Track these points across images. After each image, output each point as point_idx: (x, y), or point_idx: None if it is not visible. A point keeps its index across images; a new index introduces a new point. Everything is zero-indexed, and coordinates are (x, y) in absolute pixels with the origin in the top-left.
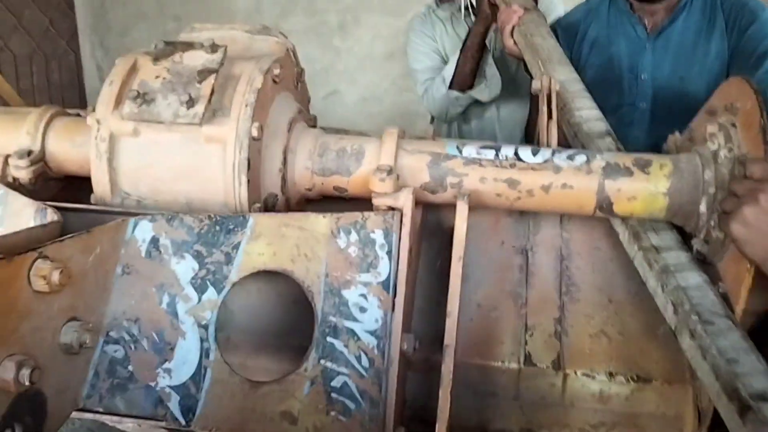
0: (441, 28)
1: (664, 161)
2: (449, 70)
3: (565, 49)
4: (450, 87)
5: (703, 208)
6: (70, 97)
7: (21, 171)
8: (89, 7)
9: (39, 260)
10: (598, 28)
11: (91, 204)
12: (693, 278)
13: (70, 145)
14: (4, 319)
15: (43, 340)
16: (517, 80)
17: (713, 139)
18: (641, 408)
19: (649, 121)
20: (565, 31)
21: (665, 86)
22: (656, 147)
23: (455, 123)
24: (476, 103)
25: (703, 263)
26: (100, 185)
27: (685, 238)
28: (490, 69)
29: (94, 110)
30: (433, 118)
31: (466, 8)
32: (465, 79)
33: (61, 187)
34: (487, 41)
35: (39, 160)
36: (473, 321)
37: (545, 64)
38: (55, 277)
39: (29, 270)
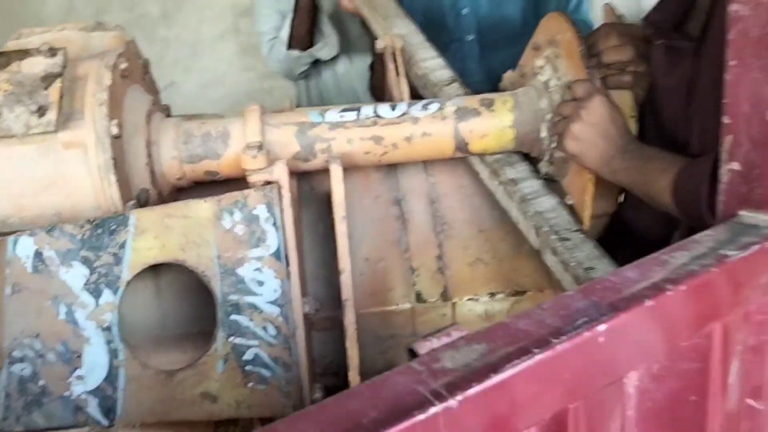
0: None
1: (506, 97)
2: (285, 32)
3: None
4: (290, 47)
5: (543, 133)
6: None
7: None
8: None
9: None
10: None
11: None
12: (547, 202)
13: None
14: None
15: None
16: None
17: (542, 71)
18: None
19: (478, 52)
20: None
21: (486, 16)
22: (490, 74)
23: (312, 80)
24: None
25: (552, 182)
26: None
27: (534, 163)
28: (327, 27)
29: None
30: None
31: None
32: (302, 39)
33: None
34: None
35: None
36: (364, 275)
37: (384, 19)
38: None
39: None
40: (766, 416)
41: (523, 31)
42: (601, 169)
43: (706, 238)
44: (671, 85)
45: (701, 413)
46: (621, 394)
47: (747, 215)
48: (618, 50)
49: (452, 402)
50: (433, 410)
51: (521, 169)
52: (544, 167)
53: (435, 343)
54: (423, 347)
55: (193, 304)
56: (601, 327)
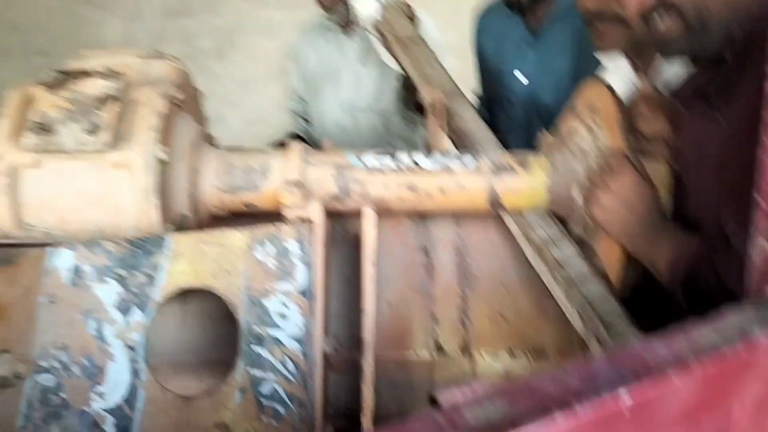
0: (323, 37)
1: (542, 158)
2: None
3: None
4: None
5: (577, 196)
6: None
7: None
8: None
9: None
10: (489, 35)
11: None
12: (595, 288)
13: None
14: None
15: None
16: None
17: (580, 136)
18: None
19: (522, 117)
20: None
21: (533, 85)
22: (529, 145)
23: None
24: None
25: (582, 244)
26: (3, 220)
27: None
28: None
29: None
30: None
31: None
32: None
33: None
34: None
35: None
36: (385, 318)
37: (425, 72)
38: None
39: None
40: None
41: (567, 95)
42: (625, 241)
43: (732, 315)
44: (694, 156)
45: None
46: None
47: None
48: (653, 122)
49: None
50: None
51: (567, 252)
52: (576, 229)
53: (457, 394)
54: (445, 397)
55: (215, 331)
56: (625, 397)
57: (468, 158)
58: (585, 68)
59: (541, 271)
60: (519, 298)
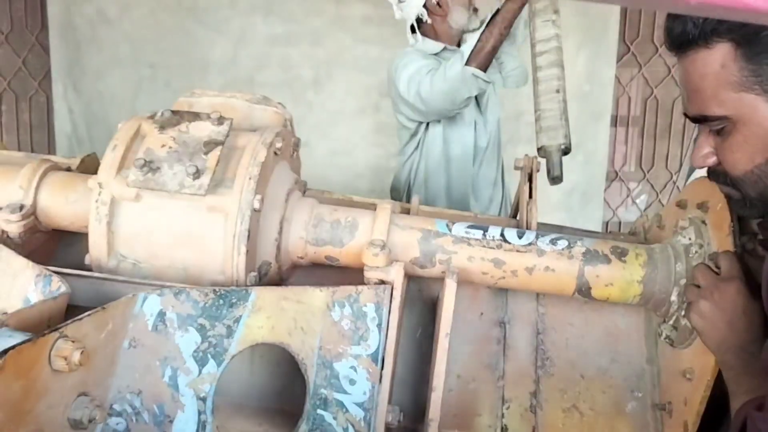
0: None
1: (640, 251)
2: (467, 48)
3: None
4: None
5: (674, 297)
6: (39, 137)
7: (11, 225)
8: (64, 50)
9: (60, 340)
10: None
11: (84, 263)
12: None
13: (64, 202)
14: (23, 400)
15: (55, 417)
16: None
17: (684, 233)
18: None
19: None
20: None
21: None
22: None
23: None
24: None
25: (671, 346)
26: (97, 247)
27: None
28: (511, 60)
29: (83, 162)
30: (392, 191)
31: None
32: (485, 56)
33: (46, 239)
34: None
35: (30, 214)
36: (452, 392)
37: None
38: (76, 357)
39: (50, 350)
40: None
41: None
42: (715, 354)
43: None
44: None
45: None
46: None
47: None
48: None
49: None
50: None
51: None
52: (666, 330)
53: None
54: None
55: (280, 380)
56: None
57: (561, 240)
58: None
59: None
60: (596, 391)
